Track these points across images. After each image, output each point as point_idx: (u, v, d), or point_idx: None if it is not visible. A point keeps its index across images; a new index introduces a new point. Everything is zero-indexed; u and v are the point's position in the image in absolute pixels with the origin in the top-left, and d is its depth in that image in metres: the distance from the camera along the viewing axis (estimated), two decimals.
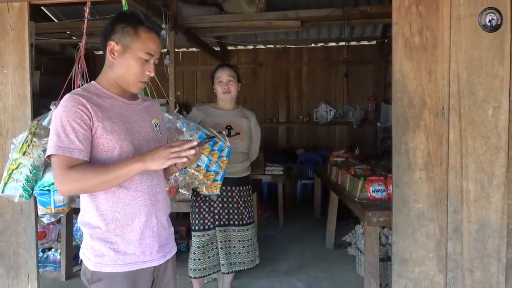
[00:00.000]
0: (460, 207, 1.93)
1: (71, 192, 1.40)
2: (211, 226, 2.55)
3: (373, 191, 2.78)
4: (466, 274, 1.94)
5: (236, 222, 2.57)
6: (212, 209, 2.55)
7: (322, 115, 6.96)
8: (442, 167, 1.94)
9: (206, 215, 2.56)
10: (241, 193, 2.61)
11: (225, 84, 2.59)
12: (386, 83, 6.57)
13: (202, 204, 2.56)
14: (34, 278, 2.29)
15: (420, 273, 1.98)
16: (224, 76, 2.59)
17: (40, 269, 3.26)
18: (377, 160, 4.49)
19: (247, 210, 2.62)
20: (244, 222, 2.60)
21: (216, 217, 2.54)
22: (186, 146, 1.30)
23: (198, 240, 2.55)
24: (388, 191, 2.73)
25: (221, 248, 2.55)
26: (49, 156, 1.32)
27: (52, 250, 3.47)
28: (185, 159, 1.31)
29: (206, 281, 2.90)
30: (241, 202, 2.60)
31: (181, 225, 3.90)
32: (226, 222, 2.56)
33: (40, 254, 3.40)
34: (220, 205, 2.55)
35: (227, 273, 2.61)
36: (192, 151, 1.31)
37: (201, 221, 2.55)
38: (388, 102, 6.22)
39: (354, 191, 2.95)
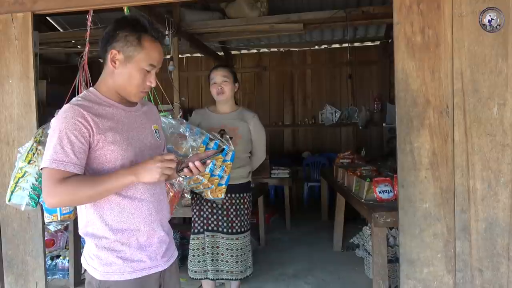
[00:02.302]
0: (468, 206, 1.91)
1: (60, 205, 1.36)
2: (201, 230, 2.54)
3: (379, 192, 2.77)
4: (476, 274, 1.91)
5: (224, 230, 2.50)
6: (201, 213, 2.54)
7: (328, 117, 6.94)
8: (448, 166, 1.92)
9: (196, 219, 2.56)
10: (233, 201, 2.52)
11: (218, 85, 2.53)
12: (391, 84, 6.53)
13: (194, 207, 2.58)
14: (42, 286, 2.29)
15: (429, 273, 1.96)
16: (217, 76, 2.54)
17: (49, 277, 3.29)
18: (383, 161, 4.45)
19: (238, 219, 2.52)
20: (234, 231, 2.50)
21: (205, 221, 2.53)
22: (168, 158, 1.31)
23: (191, 242, 2.58)
24: (395, 192, 2.71)
25: (207, 253, 2.52)
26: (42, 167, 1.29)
27: (61, 257, 3.50)
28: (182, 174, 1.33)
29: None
30: (232, 210, 2.51)
31: (188, 230, 3.87)
32: (215, 228, 2.52)
33: (49, 262, 3.42)
34: (209, 210, 2.52)
35: (212, 279, 2.56)
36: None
37: (192, 224, 2.58)
38: (393, 102, 6.18)
39: (361, 192, 2.93)
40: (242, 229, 2.54)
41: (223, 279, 2.58)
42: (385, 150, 6.14)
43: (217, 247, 2.53)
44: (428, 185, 1.94)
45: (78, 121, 1.27)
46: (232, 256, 2.51)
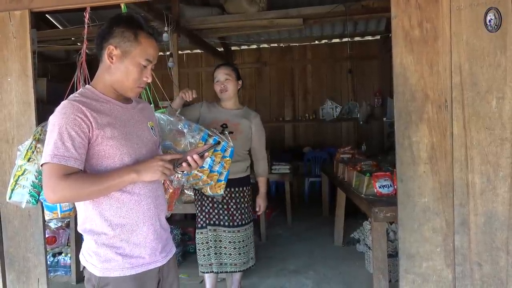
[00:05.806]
0: (466, 200, 1.91)
1: (61, 201, 1.42)
2: (204, 224, 2.61)
3: (379, 187, 2.77)
4: (475, 268, 1.92)
5: (226, 223, 2.57)
6: (203, 208, 2.61)
7: (328, 112, 6.93)
8: (446, 160, 1.91)
9: (199, 214, 2.64)
10: (232, 195, 2.56)
11: (221, 83, 2.61)
12: (391, 78, 6.50)
13: (197, 202, 2.66)
14: (44, 282, 2.31)
15: (428, 268, 1.96)
16: (220, 75, 2.62)
17: (51, 274, 3.31)
18: (383, 156, 4.45)
19: (239, 212, 2.58)
20: (235, 223, 2.57)
21: (207, 216, 2.60)
22: (169, 157, 1.39)
23: (196, 237, 2.66)
24: (395, 186, 2.71)
25: (211, 247, 2.59)
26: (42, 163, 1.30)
27: (63, 254, 3.51)
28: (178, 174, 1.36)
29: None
30: (231, 204, 2.57)
31: (189, 226, 3.90)
32: (217, 222, 2.59)
33: (51, 259, 3.44)
34: (210, 204, 2.59)
35: (216, 272, 2.64)
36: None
37: (197, 219, 2.66)
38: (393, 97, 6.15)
39: (361, 187, 2.94)
40: (243, 222, 2.60)
41: (227, 271, 2.65)
42: (386, 144, 6.13)
43: (220, 240, 2.59)
44: (427, 180, 1.93)
45: (78, 116, 1.29)
46: (235, 248, 2.58)
